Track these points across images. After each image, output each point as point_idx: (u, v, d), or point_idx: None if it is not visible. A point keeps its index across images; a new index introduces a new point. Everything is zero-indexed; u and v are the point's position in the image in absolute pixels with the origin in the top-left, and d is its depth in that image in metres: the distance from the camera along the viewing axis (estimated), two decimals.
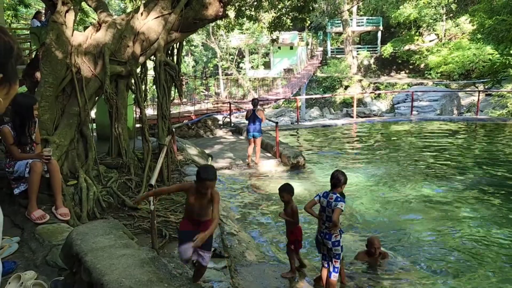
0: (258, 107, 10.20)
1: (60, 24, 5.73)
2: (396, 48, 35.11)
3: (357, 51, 37.27)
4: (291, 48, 38.23)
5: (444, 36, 34.44)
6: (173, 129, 8.66)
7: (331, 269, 4.41)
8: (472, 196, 8.28)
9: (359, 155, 11.97)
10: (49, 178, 4.49)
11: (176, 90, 7.93)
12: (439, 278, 5.27)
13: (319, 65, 38.25)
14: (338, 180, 4.32)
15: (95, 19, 8.30)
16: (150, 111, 17.29)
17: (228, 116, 16.23)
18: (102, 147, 7.14)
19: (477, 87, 26.31)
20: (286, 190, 4.77)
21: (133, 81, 7.01)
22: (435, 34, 35.59)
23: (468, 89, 26.79)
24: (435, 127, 15.83)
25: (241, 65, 39.47)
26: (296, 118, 19.55)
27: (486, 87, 24.24)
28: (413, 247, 6.14)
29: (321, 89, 32.92)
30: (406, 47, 35.00)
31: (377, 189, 8.76)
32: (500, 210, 7.53)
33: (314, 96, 28.50)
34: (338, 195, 4.29)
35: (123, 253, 2.57)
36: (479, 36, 26.29)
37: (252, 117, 9.99)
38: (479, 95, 18.30)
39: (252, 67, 38.78)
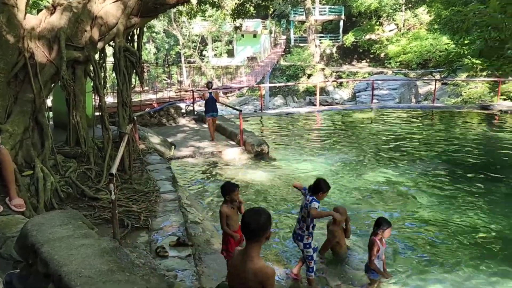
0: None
1: (11, 6, 5.41)
2: (358, 38, 35.74)
3: (320, 40, 37.63)
4: (255, 36, 38.07)
5: (403, 26, 35.36)
6: (135, 117, 8.47)
7: (307, 269, 4.60)
8: (430, 180, 8.62)
9: (322, 142, 12.16)
10: (1, 167, 4.27)
11: (137, 78, 7.73)
12: (400, 264, 5.47)
13: (283, 53, 38.37)
14: (319, 188, 4.47)
15: (49, 2, 7.90)
16: (111, 99, 16.81)
17: (191, 105, 16.03)
18: (59, 136, 6.87)
19: (433, 76, 27.27)
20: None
21: (91, 67, 6.77)
22: (395, 24, 36.48)
23: (426, 78, 27.73)
24: (395, 115, 16.31)
25: (204, 52, 38.93)
26: (260, 106, 19.58)
27: (442, 76, 25.19)
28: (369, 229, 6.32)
29: (284, 78, 33.08)
30: (367, 37, 35.70)
31: (339, 175, 8.93)
32: (455, 194, 7.88)
33: (277, 84, 28.61)
34: (315, 198, 4.44)
35: (82, 243, 2.49)
36: (436, 26, 27.20)
37: (210, 98, 11.02)
38: (435, 84, 18.97)
39: (215, 55, 38.36)
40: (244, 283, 2.52)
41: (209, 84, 11.51)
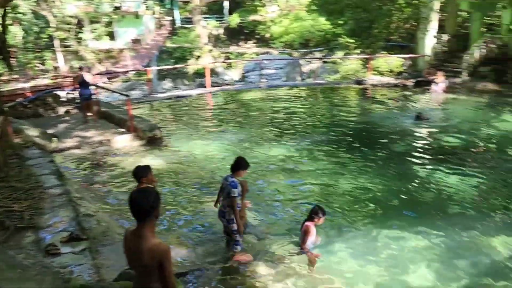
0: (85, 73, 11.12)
1: None
2: (243, 19, 36.25)
3: (206, 21, 37.35)
4: (137, 17, 36.25)
5: (285, 7, 36.73)
6: (5, 109, 7.55)
7: (233, 243, 4.84)
8: (318, 151, 9.27)
9: (215, 123, 12.23)
10: None
11: (4, 64, 6.87)
12: (293, 229, 5.83)
13: (169, 35, 37.27)
14: (239, 166, 4.74)
15: None
16: None
17: (72, 92, 14.78)
18: None
19: (314, 55, 29.01)
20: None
21: None
22: (277, 5, 37.72)
23: (308, 57, 29.36)
24: (282, 93, 17.04)
25: (81, 35, 35.94)
26: (148, 91, 18.88)
27: (322, 55, 26.91)
28: (271, 205, 6.62)
29: (172, 60, 32.24)
30: (252, 18, 36.40)
31: (235, 154, 9.08)
32: (342, 161, 8.61)
33: (165, 67, 27.76)
34: (234, 180, 4.67)
35: None
36: (314, 8, 28.81)
37: (83, 82, 10.86)
38: (317, 63, 20.21)
39: (94, 37, 35.69)
40: (141, 262, 2.51)
41: (82, 67, 11.53)
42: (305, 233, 4.88)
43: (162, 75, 31.06)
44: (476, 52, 17.29)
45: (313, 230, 4.87)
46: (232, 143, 9.93)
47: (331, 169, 8.16)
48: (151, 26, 38.24)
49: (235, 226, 4.74)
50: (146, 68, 22.37)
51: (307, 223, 4.93)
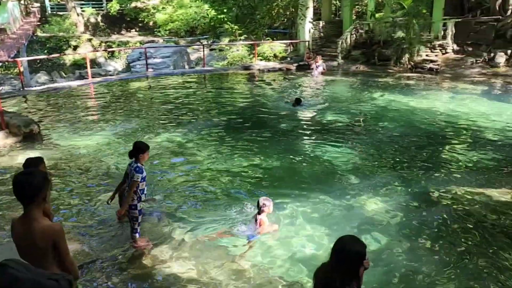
0: None
1: None
2: (123, 6, 34.49)
3: (82, 8, 34.72)
4: None
5: None
6: None
7: (132, 230, 4.72)
8: (208, 138, 9.35)
9: (101, 115, 11.56)
10: None
11: None
12: (191, 212, 5.87)
13: (39, 23, 33.83)
14: (139, 149, 4.60)
15: None
16: None
17: None
18: None
19: (201, 43, 28.96)
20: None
21: None
22: None
23: (195, 45, 29.19)
24: (171, 81, 16.74)
25: None
26: (19, 84, 17.02)
27: (209, 42, 27.00)
28: (168, 191, 6.54)
29: (45, 51, 29.41)
30: (133, 5, 34.84)
31: (125, 144, 8.74)
32: (234, 144, 8.83)
33: (38, 57, 25.26)
34: (139, 165, 4.57)
35: None
36: None
37: None
38: (204, 50, 20.24)
39: None
40: (35, 246, 2.42)
41: None
42: (260, 226, 5.10)
43: (35, 68, 28.30)
44: (348, 37, 18.95)
45: (266, 220, 5.12)
46: (120, 134, 9.50)
47: (224, 152, 8.32)
48: (17, 13, 34.35)
49: (136, 213, 4.61)
50: (16, 59, 20.06)
51: (258, 216, 5.12)
